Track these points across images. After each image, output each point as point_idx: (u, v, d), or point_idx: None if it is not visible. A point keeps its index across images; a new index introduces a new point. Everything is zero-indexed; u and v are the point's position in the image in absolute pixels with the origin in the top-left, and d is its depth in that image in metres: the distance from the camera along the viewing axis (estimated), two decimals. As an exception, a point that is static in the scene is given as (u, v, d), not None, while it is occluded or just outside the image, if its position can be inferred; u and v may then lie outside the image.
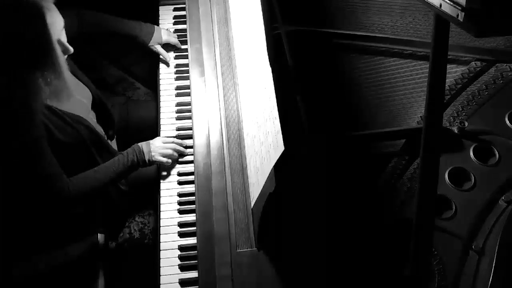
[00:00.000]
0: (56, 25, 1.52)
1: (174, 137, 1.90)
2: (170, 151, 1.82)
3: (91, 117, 1.85)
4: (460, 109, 1.78)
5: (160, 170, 1.85)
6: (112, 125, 1.98)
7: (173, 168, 1.85)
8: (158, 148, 1.80)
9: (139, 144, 1.82)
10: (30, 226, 1.80)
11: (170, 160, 1.82)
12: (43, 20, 1.45)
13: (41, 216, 1.80)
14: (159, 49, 2.10)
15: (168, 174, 1.84)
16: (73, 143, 1.69)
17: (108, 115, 1.96)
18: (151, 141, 1.83)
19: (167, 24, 2.21)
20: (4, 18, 1.41)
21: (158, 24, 2.20)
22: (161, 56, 2.11)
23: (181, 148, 1.85)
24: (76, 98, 1.75)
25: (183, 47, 2.13)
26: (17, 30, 1.43)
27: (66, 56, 1.61)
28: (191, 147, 1.85)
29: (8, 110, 1.52)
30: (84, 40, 1.94)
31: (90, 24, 1.97)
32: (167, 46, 2.13)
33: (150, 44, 2.08)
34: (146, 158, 1.79)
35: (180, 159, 1.86)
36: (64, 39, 1.59)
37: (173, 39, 2.12)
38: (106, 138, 1.89)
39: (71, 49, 1.60)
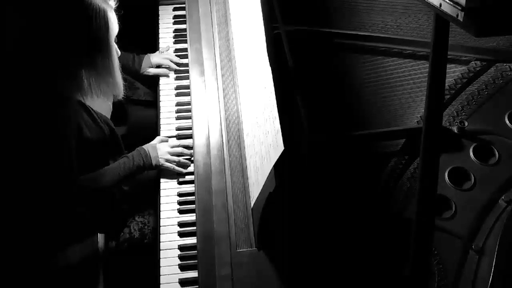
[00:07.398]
0: (114, 29, 1.61)
1: (174, 136, 1.90)
2: (176, 158, 1.81)
3: None
4: (460, 109, 1.78)
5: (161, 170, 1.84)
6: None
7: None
8: (164, 153, 1.80)
9: (145, 147, 1.82)
10: (30, 226, 1.80)
11: (180, 169, 1.82)
12: (107, 24, 1.54)
13: (42, 215, 1.80)
14: (153, 71, 2.09)
15: (168, 174, 1.83)
16: (95, 141, 1.71)
17: (124, 118, 1.97)
18: (157, 145, 1.82)
19: (167, 24, 2.21)
20: (75, 17, 1.50)
21: (158, 24, 2.20)
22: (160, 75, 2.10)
23: (187, 152, 1.84)
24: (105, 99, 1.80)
25: (183, 46, 2.13)
26: (84, 30, 1.52)
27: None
28: (191, 147, 1.84)
29: (49, 105, 1.57)
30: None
31: None
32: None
33: (141, 72, 2.10)
34: (153, 163, 1.80)
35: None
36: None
37: (164, 61, 2.08)
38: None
39: (119, 52, 1.69)
